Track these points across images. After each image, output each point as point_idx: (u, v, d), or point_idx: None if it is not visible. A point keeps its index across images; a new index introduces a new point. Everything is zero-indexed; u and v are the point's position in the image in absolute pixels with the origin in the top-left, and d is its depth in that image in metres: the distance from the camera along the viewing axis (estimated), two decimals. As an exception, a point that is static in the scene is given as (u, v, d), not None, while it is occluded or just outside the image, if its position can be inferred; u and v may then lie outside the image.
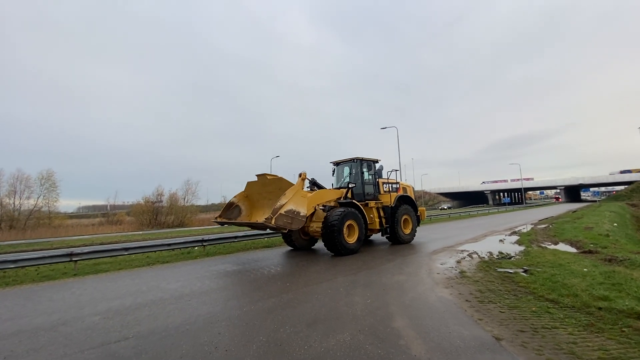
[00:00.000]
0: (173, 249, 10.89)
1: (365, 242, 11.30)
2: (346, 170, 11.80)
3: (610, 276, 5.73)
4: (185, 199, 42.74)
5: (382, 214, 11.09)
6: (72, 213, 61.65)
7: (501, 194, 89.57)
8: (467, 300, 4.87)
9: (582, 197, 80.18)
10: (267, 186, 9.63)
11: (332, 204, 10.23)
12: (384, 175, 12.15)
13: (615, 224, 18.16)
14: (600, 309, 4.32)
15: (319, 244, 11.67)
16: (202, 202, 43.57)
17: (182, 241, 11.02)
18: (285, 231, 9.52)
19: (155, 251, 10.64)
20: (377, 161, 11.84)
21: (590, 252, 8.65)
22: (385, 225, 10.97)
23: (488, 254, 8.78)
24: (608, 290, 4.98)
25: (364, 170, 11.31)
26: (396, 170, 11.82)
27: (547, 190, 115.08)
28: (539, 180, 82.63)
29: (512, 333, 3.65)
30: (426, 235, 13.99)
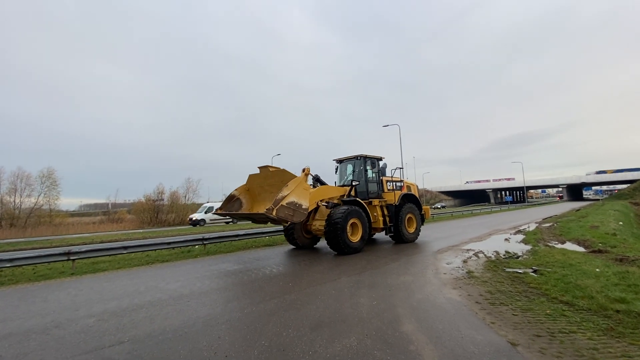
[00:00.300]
0: (173, 248, 10.71)
1: (368, 240, 11.10)
2: (349, 167, 11.59)
3: (624, 277, 5.51)
4: (187, 197, 42.67)
5: (386, 212, 10.89)
6: (73, 211, 61.68)
7: (503, 192, 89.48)
8: (477, 302, 4.67)
9: (584, 196, 79.86)
10: (270, 179, 9.27)
11: (336, 201, 10.03)
12: (388, 173, 11.94)
13: (621, 223, 17.92)
14: (618, 311, 4.11)
15: (322, 243, 11.49)
16: (203, 200, 43.28)
17: (182, 239, 10.83)
18: (287, 224, 9.27)
19: (154, 250, 10.47)
20: (380, 159, 11.62)
21: (599, 251, 8.43)
22: (389, 224, 10.77)
23: (494, 254, 8.57)
24: (624, 292, 4.77)
25: (368, 168, 11.10)
26: (400, 168, 11.63)
27: (549, 189, 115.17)
28: (541, 178, 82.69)
29: (528, 338, 3.45)
30: (429, 234, 13.78)
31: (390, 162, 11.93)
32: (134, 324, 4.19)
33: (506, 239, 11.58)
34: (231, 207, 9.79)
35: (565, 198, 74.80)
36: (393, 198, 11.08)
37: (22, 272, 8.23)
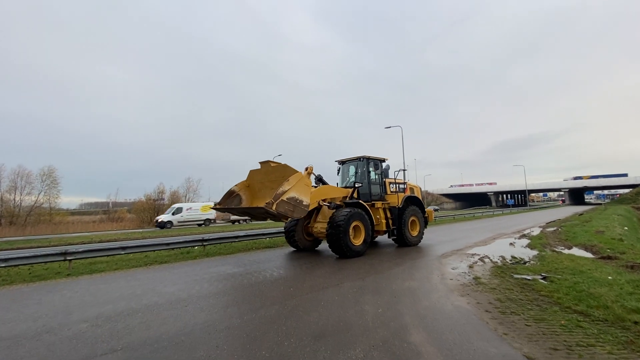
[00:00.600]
0: (172, 249, 10.53)
1: (370, 244, 10.91)
2: (352, 169, 11.41)
3: (639, 285, 5.32)
4: (187, 197, 42.56)
5: (389, 215, 10.70)
6: (74, 210, 61.68)
7: (504, 195, 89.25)
8: (487, 311, 4.48)
9: (586, 200, 79.53)
10: (271, 174, 8.99)
11: (338, 202, 9.84)
12: (391, 175, 11.75)
13: (626, 228, 17.69)
14: (636, 323, 3.92)
15: (323, 245, 11.29)
16: (203, 199, 43.09)
17: (181, 240, 10.65)
18: (286, 220, 9.04)
19: (153, 250, 10.29)
20: (384, 160, 11.44)
21: (609, 257, 8.22)
22: (392, 227, 10.58)
23: (500, 259, 8.37)
24: (640, 301, 4.57)
25: (371, 169, 10.91)
26: (404, 170, 11.44)
27: (550, 193, 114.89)
28: (542, 182, 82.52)
29: (544, 351, 3.26)
30: (432, 237, 13.57)
31: (391, 164, 11.75)
32: (129, 330, 4.00)
33: (511, 244, 11.38)
34: (230, 202, 9.56)
35: (567, 202, 74.49)
36: (396, 200, 10.89)
37: (17, 272, 8.05)
